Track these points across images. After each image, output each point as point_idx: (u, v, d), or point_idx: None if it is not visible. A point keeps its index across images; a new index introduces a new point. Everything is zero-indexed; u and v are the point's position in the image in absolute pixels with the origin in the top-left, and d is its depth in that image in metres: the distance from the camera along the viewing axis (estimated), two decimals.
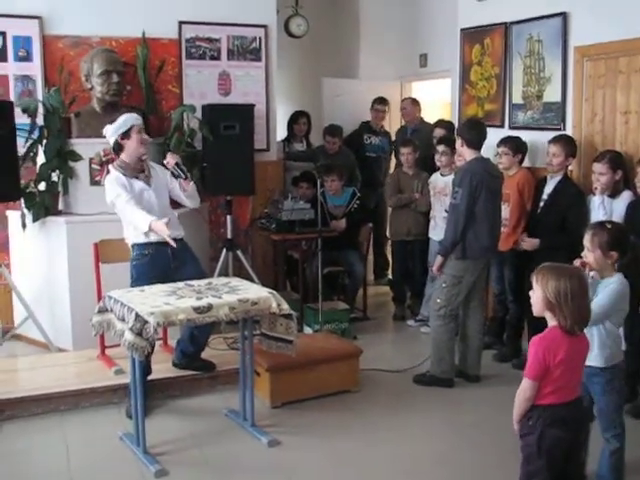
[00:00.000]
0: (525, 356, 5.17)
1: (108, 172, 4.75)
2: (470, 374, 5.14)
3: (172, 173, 4.73)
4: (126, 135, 4.53)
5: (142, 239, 4.53)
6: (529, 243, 5.19)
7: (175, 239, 4.38)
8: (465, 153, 4.98)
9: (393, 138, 7.88)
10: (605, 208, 4.70)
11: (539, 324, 4.92)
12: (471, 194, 4.79)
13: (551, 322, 2.88)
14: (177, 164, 4.69)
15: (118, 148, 4.58)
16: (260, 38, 6.68)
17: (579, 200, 5.01)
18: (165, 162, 4.74)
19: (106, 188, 4.56)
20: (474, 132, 4.98)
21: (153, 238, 4.48)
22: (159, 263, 4.55)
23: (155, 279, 4.32)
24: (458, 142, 5.01)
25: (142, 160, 4.63)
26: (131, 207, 4.40)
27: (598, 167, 4.78)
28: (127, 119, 4.57)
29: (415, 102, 7.69)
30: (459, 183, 4.84)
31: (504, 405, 4.51)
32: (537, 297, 2.89)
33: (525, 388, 2.88)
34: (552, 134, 5.32)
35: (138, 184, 4.58)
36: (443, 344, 5.03)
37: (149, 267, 4.54)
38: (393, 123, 8.35)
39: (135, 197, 4.48)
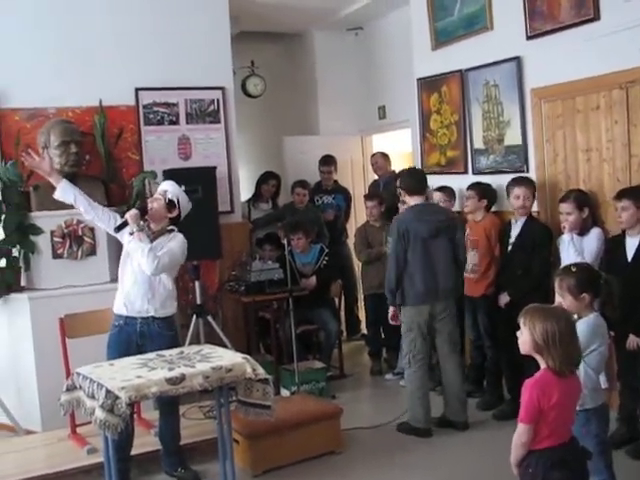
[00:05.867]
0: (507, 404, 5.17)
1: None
2: (455, 421, 5.03)
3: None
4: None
5: (116, 308, 4.38)
6: (501, 301, 5.19)
7: (147, 317, 4.28)
8: (408, 201, 5.06)
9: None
10: (575, 246, 4.67)
11: (514, 369, 4.94)
12: (398, 242, 4.88)
13: (542, 364, 2.81)
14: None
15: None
16: (218, 100, 6.65)
17: (545, 238, 5.04)
18: None
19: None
20: (412, 180, 5.10)
21: (124, 311, 4.34)
22: (125, 337, 4.35)
23: (121, 353, 4.12)
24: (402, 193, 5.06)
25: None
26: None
27: (564, 207, 4.79)
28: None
29: (385, 156, 7.69)
30: (390, 232, 4.98)
31: (487, 455, 4.47)
32: (524, 339, 2.82)
33: (520, 433, 2.79)
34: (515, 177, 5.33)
35: None
36: (412, 392, 5.00)
37: (116, 339, 4.36)
38: (356, 177, 8.37)
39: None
